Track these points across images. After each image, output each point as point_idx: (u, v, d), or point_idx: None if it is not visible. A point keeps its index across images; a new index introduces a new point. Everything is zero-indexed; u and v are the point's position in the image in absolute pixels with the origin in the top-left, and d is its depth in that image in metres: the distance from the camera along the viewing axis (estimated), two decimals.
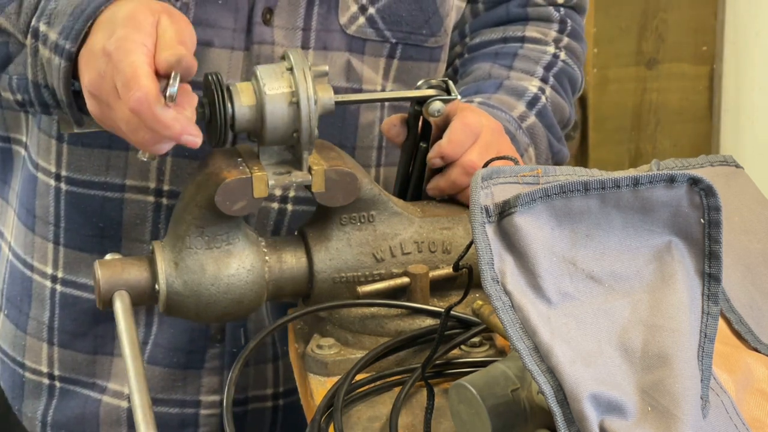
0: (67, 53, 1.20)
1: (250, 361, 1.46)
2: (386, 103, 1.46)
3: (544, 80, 1.52)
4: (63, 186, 1.41)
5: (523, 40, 1.55)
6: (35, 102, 1.27)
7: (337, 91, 1.28)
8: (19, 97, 1.28)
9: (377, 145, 1.45)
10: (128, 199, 1.40)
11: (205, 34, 1.35)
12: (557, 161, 1.52)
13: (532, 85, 1.51)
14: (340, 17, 1.40)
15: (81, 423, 1.46)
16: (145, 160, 1.19)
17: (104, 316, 1.40)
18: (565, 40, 1.57)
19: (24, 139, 1.47)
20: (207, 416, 1.45)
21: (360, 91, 1.43)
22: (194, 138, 1.12)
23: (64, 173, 1.41)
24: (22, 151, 1.47)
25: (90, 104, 1.18)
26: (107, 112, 1.16)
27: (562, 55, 1.55)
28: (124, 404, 1.45)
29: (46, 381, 1.47)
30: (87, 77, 1.17)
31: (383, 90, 1.44)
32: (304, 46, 1.39)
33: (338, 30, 1.40)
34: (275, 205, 1.40)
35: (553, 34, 1.56)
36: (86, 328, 1.45)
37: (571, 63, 1.56)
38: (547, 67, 1.53)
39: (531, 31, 1.56)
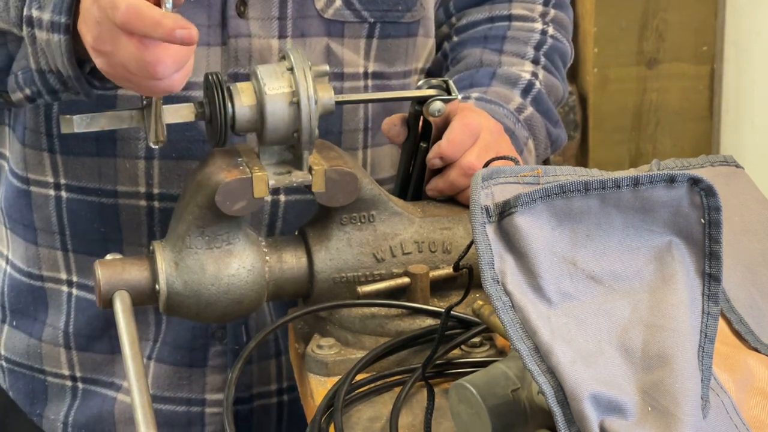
0: (64, 27, 1.19)
1: (253, 359, 1.46)
2: (370, 84, 1.45)
3: (535, 61, 1.51)
4: (63, 194, 1.41)
5: (510, 18, 1.54)
6: (43, 91, 1.26)
7: None
8: (27, 91, 1.27)
9: (363, 127, 1.45)
10: (122, 204, 1.40)
11: None
12: (556, 147, 1.52)
13: (525, 71, 1.50)
14: (316, 2, 1.39)
15: (99, 422, 1.46)
16: (155, 146, 1.19)
17: None
18: (552, 12, 1.56)
19: (6, 152, 1.47)
20: (212, 414, 1.45)
21: (342, 74, 1.42)
22: (188, 30, 1.09)
23: (62, 181, 1.41)
24: (5, 165, 1.47)
25: (99, 62, 1.16)
26: (113, 59, 1.13)
27: (551, 30, 1.55)
28: None
29: (69, 383, 1.47)
30: (89, 36, 1.15)
31: (365, 71, 1.44)
32: (282, 36, 1.37)
33: (315, 15, 1.39)
34: (267, 198, 1.40)
35: (539, 8, 1.55)
36: (100, 331, 1.44)
37: (560, 37, 1.55)
38: (537, 47, 1.52)
39: (517, 7, 1.55)
